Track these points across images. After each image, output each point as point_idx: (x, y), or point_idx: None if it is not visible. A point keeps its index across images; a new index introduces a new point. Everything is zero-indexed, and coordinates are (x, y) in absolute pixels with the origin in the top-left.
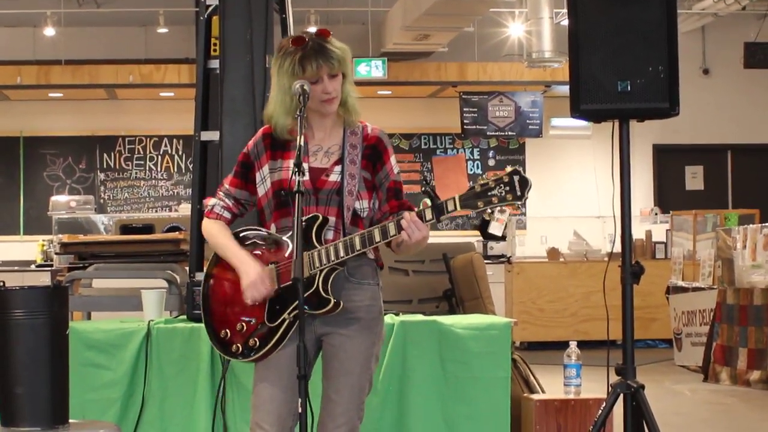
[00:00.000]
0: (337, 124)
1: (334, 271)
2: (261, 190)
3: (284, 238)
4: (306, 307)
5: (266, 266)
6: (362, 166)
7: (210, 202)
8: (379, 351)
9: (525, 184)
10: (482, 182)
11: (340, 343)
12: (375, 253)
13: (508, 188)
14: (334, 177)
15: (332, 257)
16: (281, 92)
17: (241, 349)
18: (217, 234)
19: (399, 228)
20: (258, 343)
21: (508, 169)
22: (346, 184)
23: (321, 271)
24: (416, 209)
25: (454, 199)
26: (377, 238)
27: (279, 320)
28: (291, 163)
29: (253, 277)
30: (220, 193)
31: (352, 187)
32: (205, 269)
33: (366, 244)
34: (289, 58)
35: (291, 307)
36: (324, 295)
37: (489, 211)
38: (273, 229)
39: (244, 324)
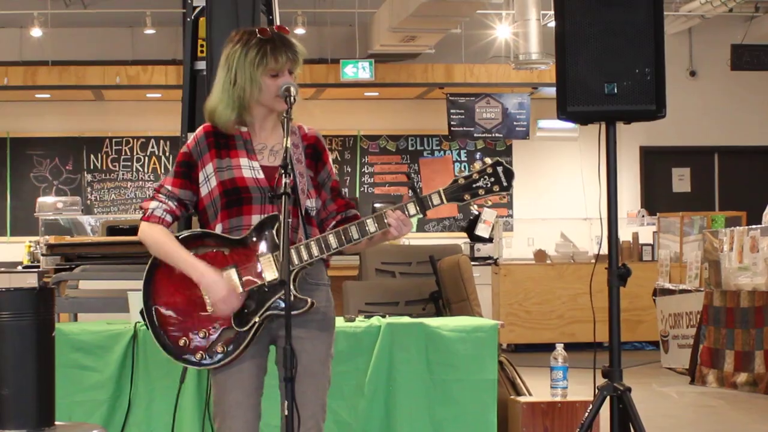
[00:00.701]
0: (277, 124)
1: (301, 271)
2: (204, 190)
3: (237, 239)
4: (282, 309)
5: (222, 269)
6: (306, 164)
7: (150, 205)
8: (334, 349)
9: (510, 174)
10: (465, 175)
11: (302, 347)
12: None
13: (493, 179)
14: None
15: (305, 257)
16: (240, 84)
17: (205, 356)
18: (162, 241)
19: (378, 224)
20: (226, 349)
21: (489, 160)
22: (299, 182)
23: (291, 271)
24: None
25: (438, 192)
26: (355, 235)
27: (249, 324)
28: (241, 161)
29: (224, 292)
30: (161, 195)
31: (304, 185)
32: (143, 276)
33: (342, 242)
34: (255, 49)
35: (262, 310)
36: (298, 295)
37: (475, 203)
38: (219, 229)
39: (207, 330)
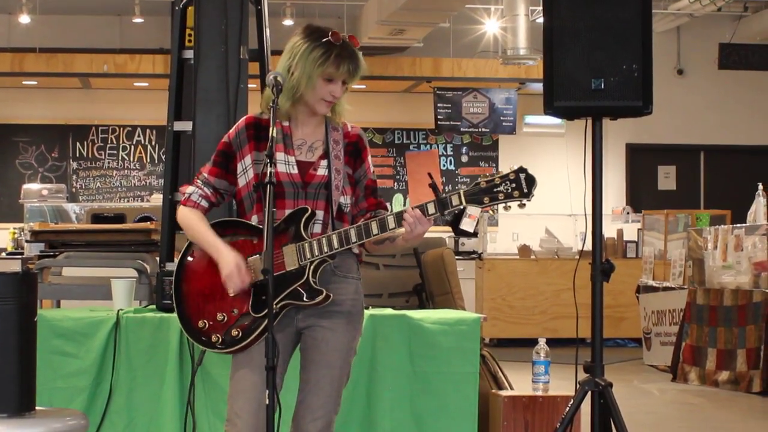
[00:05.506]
0: (320, 121)
1: (323, 264)
2: (242, 181)
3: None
4: (297, 299)
5: (247, 257)
6: (345, 162)
7: (187, 189)
8: (357, 345)
9: (532, 182)
10: (487, 179)
11: (323, 336)
12: (359, 248)
13: (514, 185)
14: (321, 171)
15: (325, 249)
16: (296, 76)
17: (221, 339)
18: (194, 223)
19: (398, 222)
20: (241, 334)
21: (513, 167)
22: (333, 178)
23: (312, 262)
24: (394, 208)
25: (459, 193)
26: (375, 230)
27: (265, 311)
28: (278, 155)
29: (231, 268)
30: (198, 181)
31: (339, 182)
32: (177, 259)
33: (362, 237)
34: (322, 49)
35: (279, 298)
36: (315, 286)
37: (493, 208)
38: (254, 220)
39: (225, 315)
